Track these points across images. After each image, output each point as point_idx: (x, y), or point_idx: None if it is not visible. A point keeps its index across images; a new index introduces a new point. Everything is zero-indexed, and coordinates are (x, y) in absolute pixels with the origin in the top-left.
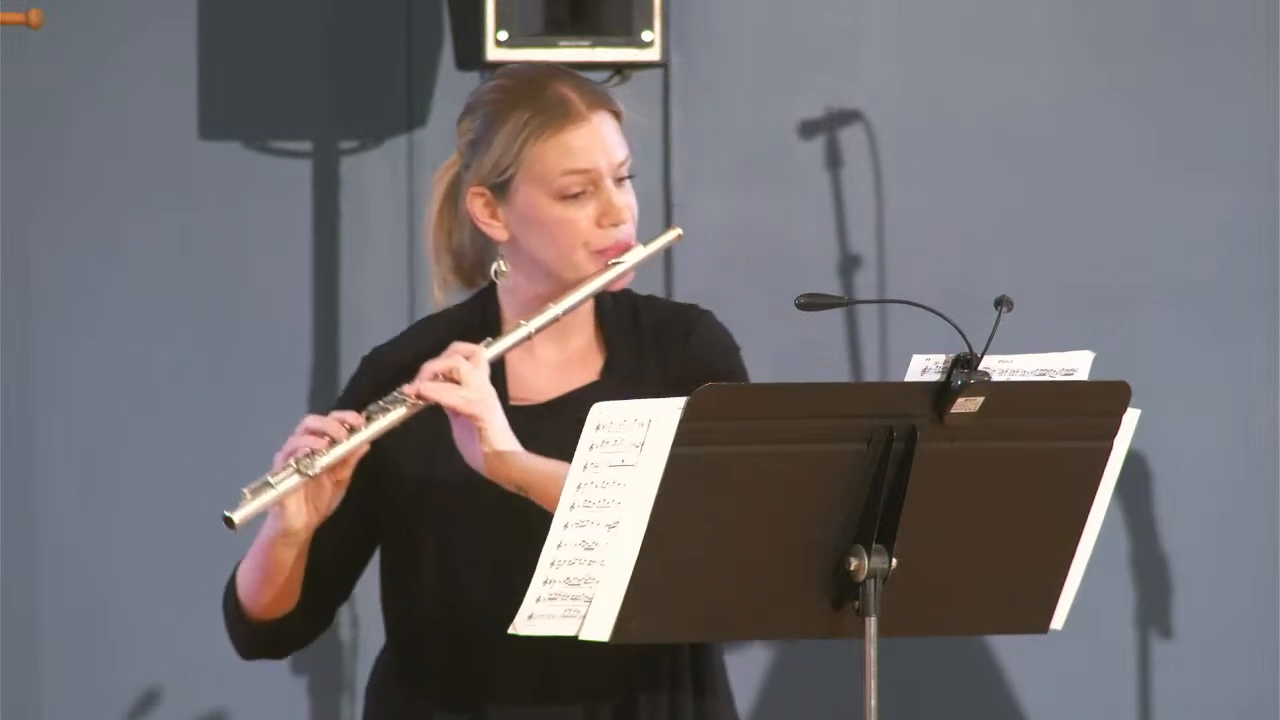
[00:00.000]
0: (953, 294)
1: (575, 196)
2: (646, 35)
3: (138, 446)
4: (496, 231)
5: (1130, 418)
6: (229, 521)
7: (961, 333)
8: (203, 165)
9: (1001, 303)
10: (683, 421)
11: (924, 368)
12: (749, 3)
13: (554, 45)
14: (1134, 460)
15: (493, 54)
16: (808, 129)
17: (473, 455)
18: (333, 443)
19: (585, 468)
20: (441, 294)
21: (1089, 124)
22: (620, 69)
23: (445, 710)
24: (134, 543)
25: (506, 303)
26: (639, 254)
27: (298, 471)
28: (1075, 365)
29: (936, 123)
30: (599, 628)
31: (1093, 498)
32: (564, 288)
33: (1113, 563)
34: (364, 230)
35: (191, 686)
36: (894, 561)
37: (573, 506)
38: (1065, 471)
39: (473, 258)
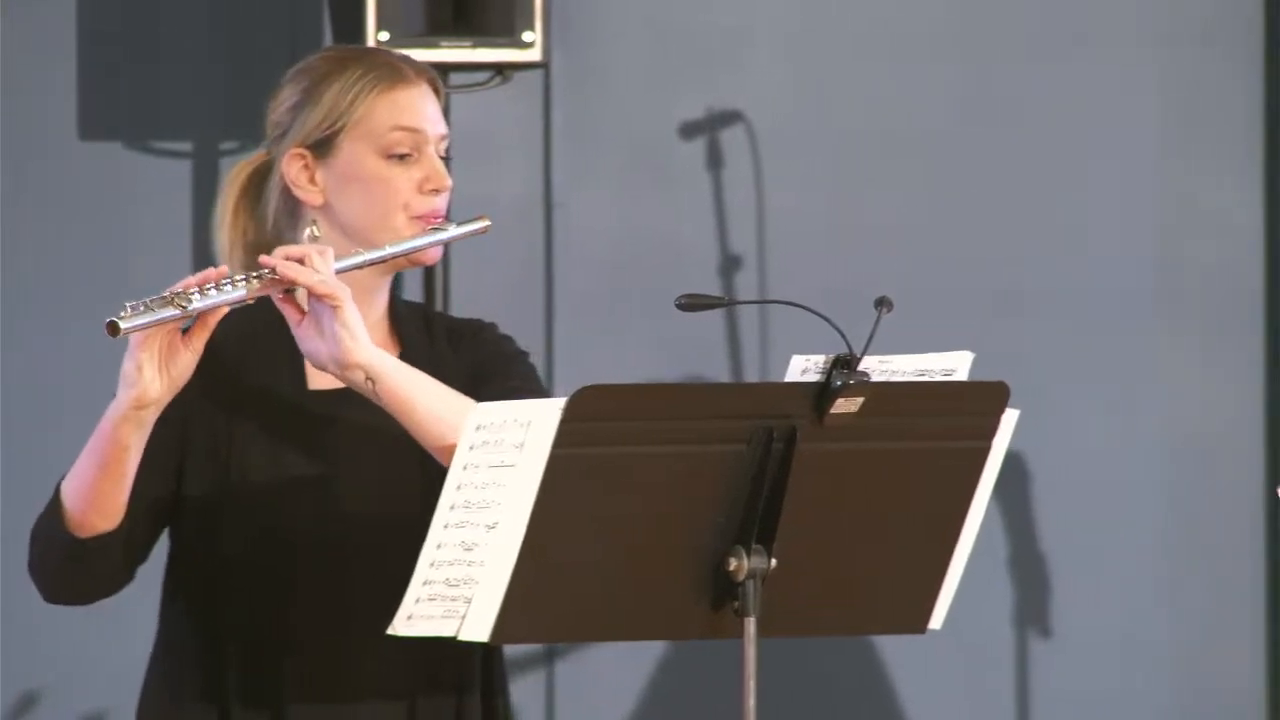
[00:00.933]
0: (833, 294)
1: (400, 158)
2: (528, 36)
3: (18, 448)
4: (312, 195)
5: (1009, 418)
6: (113, 327)
7: (841, 333)
8: (82, 166)
9: (881, 303)
10: (563, 422)
11: (804, 368)
12: (630, 4)
13: (436, 46)
14: (1013, 460)
15: None
16: (689, 130)
17: (327, 345)
18: (203, 291)
19: (465, 468)
20: None
21: (971, 126)
22: (502, 69)
23: (242, 706)
24: (20, 545)
25: None
26: (454, 230)
27: (173, 304)
28: (954, 366)
29: (817, 124)
30: (478, 628)
31: (971, 498)
32: (373, 246)
33: (991, 563)
34: None
35: (76, 687)
36: (773, 562)
37: (452, 507)
38: (944, 471)
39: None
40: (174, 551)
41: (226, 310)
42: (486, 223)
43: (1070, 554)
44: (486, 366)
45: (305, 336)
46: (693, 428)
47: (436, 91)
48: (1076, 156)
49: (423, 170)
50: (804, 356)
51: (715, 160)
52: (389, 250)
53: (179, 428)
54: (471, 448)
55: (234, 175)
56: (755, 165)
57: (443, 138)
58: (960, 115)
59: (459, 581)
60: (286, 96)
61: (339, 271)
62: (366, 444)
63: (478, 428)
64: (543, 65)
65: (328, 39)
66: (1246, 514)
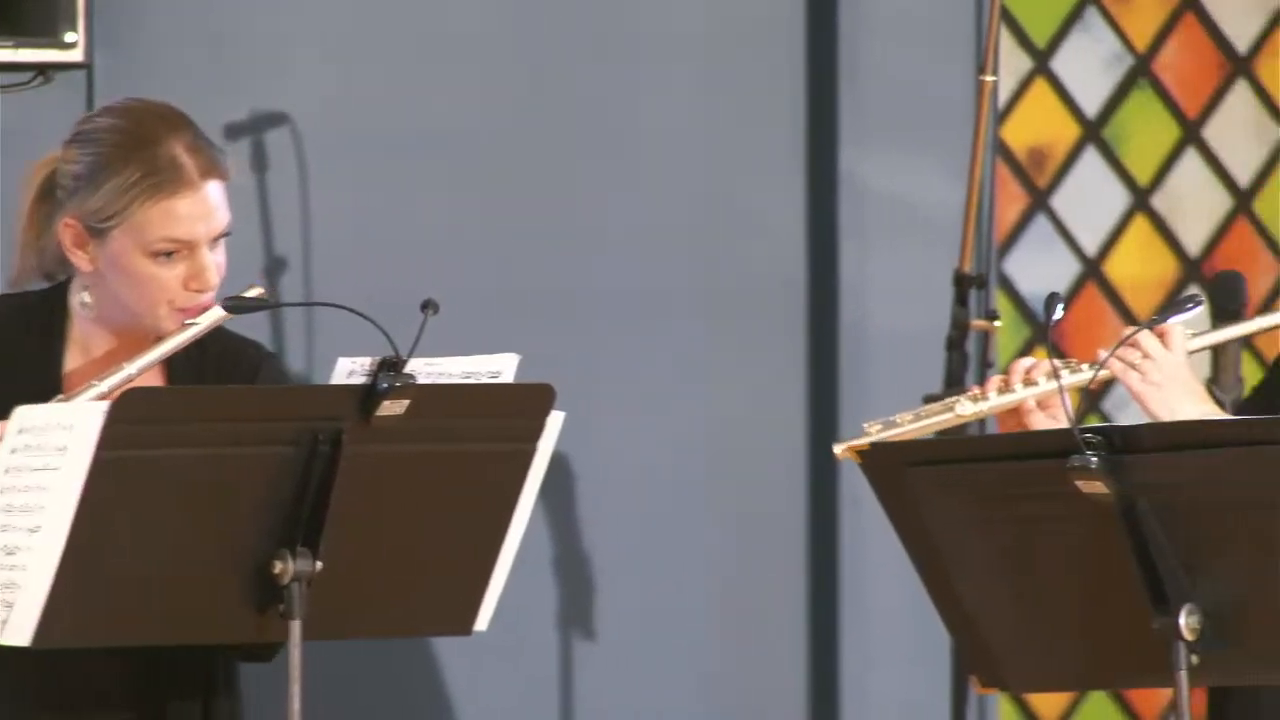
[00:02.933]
0: (379, 297)
1: (168, 255)
2: (70, 36)
3: None
4: (82, 262)
5: (554, 419)
6: None
7: (388, 336)
8: None
9: (427, 306)
10: (106, 425)
11: (350, 370)
12: (175, 5)
13: None
14: (558, 461)
15: None
16: (233, 131)
17: None
18: None
19: (7, 471)
20: (17, 287)
21: (516, 126)
22: (44, 70)
23: None
24: None
25: (76, 310)
26: (216, 314)
27: None
28: (500, 368)
29: (363, 125)
30: (20, 632)
31: (517, 499)
32: (137, 326)
33: (537, 563)
34: None
35: None
36: (319, 564)
37: None
38: (490, 473)
39: (55, 260)
40: None
41: None
42: (259, 290)
43: (615, 555)
44: None
45: None
46: (238, 430)
47: (224, 177)
48: (620, 157)
49: (190, 269)
50: (350, 359)
51: (260, 162)
52: (142, 363)
53: None
54: (14, 451)
55: (35, 171)
56: (300, 167)
57: (221, 233)
58: (506, 115)
59: (1, 586)
60: (73, 158)
61: (104, 392)
62: None
63: (20, 430)
64: (85, 66)
65: None
66: (790, 514)
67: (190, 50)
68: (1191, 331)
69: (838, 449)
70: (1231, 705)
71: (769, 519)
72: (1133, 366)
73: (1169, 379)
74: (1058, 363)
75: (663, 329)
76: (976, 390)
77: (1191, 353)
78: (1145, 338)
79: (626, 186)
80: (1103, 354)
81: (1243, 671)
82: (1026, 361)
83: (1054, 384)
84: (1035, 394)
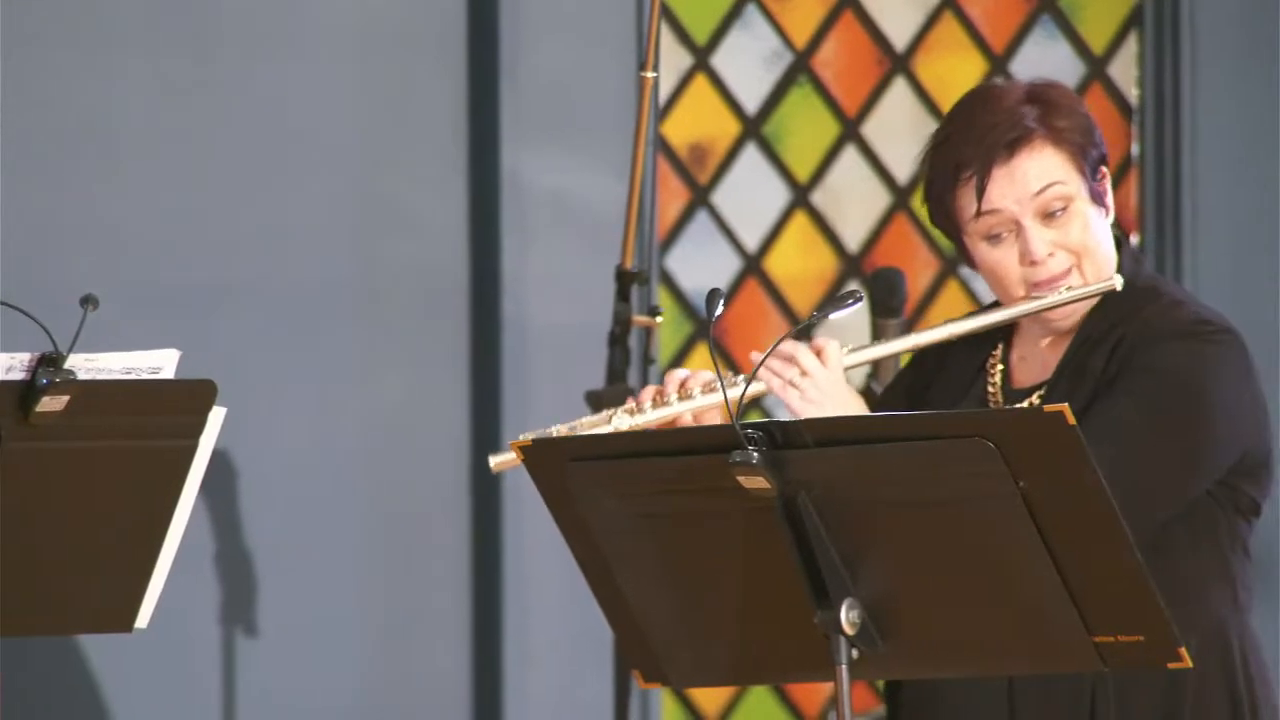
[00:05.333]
0: (39, 292)
1: None
2: None
3: None
4: None
5: (216, 415)
6: None
7: (47, 331)
8: None
9: (87, 301)
10: None
11: (9, 366)
12: None
13: None
14: (220, 457)
15: None
16: None
17: None
18: None
19: None
20: None
21: (176, 120)
22: None
23: None
24: None
25: None
26: None
27: None
28: (161, 364)
29: (20, 117)
30: None
31: (178, 495)
32: None
33: (199, 561)
34: None
35: None
36: None
37: None
38: (152, 470)
39: None
40: None
41: None
42: None
43: (277, 553)
44: None
45: None
46: None
47: None
48: (279, 153)
49: None
50: (8, 355)
51: None
52: None
53: None
54: None
55: None
56: None
57: None
58: (165, 108)
59: None
60: None
61: None
62: None
63: None
64: None
65: None
66: (452, 509)
67: None
68: (848, 348)
69: (493, 462)
70: (903, 707)
71: (431, 515)
72: (791, 384)
73: (826, 395)
74: (713, 376)
75: (324, 326)
76: (633, 403)
77: (849, 368)
78: (803, 355)
79: (286, 183)
80: (756, 357)
81: (902, 666)
82: (681, 373)
83: (709, 397)
84: (691, 408)
